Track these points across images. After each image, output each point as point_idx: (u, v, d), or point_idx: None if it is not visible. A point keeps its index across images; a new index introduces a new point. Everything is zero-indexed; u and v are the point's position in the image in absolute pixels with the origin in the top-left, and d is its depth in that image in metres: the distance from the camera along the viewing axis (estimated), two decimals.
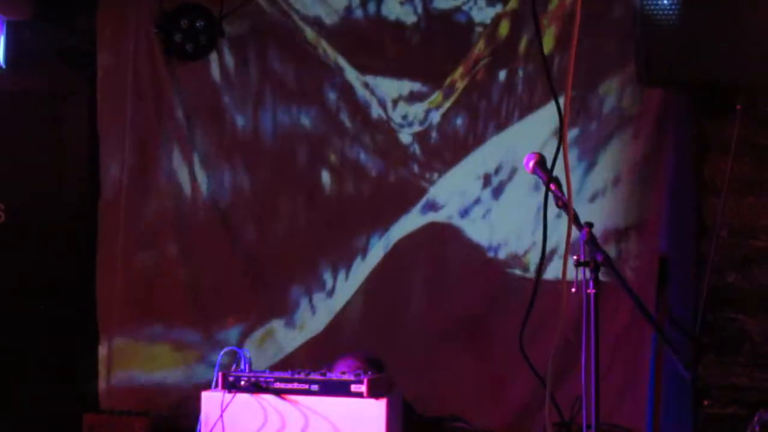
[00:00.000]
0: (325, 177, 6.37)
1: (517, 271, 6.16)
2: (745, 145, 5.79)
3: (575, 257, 4.26)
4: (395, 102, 6.32)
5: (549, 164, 4.20)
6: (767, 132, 5.85)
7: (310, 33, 6.34)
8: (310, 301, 6.34)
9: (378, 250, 6.32)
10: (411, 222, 6.31)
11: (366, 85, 6.33)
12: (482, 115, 6.24)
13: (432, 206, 6.30)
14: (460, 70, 6.22)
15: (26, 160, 6.43)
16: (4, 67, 6.25)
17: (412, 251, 6.30)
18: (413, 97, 6.28)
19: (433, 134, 6.30)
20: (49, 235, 6.42)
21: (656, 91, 5.86)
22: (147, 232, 6.34)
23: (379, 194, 6.34)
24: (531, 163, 4.59)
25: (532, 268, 6.10)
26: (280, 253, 6.35)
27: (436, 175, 6.30)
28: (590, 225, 4.37)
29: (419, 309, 6.25)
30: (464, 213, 6.26)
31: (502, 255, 6.20)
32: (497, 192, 6.22)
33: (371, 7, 6.31)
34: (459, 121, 6.28)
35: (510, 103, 6.21)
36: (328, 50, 6.34)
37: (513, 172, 6.18)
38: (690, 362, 5.72)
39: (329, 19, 6.32)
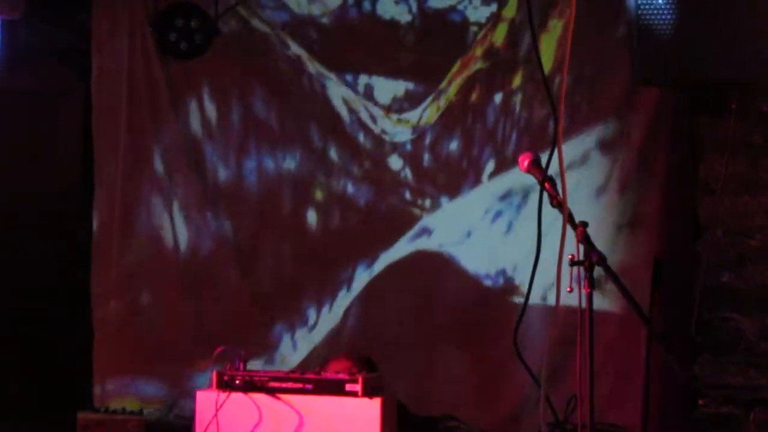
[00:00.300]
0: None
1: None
2: (740, 145, 5.79)
3: (570, 256, 4.26)
4: (387, 109, 6.26)
5: (555, 165, 4.17)
6: (762, 131, 5.84)
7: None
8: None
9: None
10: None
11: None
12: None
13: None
14: (454, 69, 6.20)
15: (21, 158, 6.43)
16: None
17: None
18: (408, 98, 6.25)
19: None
20: (43, 234, 6.41)
21: (651, 90, 5.86)
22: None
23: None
24: (526, 162, 4.59)
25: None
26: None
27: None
28: (585, 224, 4.37)
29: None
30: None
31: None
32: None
33: (366, 6, 6.29)
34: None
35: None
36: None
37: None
38: (685, 361, 5.72)
39: (324, 19, 6.31)
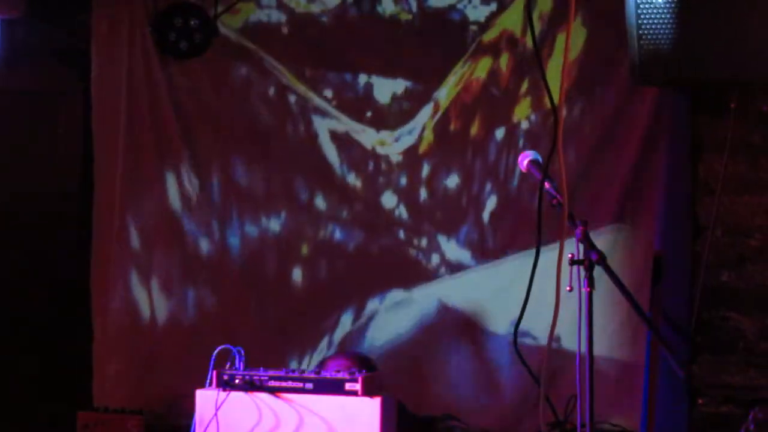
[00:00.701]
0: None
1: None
2: (740, 145, 5.80)
3: (570, 255, 4.26)
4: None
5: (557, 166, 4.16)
6: (762, 131, 5.85)
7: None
8: None
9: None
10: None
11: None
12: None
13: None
14: (454, 68, 6.19)
15: (20, 158, 6.42)
16: None
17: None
18: (408, 97, 6.23)
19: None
20: (43, 234, 6.41)
21: (651, 90, 5.86)
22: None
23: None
24: (525, 162, 4.59)
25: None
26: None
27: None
28: (584, 223, 4.36)
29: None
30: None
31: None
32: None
33: (365, 5, 6.28)
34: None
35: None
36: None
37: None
38: (685, 361, 5.72)
39: (324, 18, 6.30)
